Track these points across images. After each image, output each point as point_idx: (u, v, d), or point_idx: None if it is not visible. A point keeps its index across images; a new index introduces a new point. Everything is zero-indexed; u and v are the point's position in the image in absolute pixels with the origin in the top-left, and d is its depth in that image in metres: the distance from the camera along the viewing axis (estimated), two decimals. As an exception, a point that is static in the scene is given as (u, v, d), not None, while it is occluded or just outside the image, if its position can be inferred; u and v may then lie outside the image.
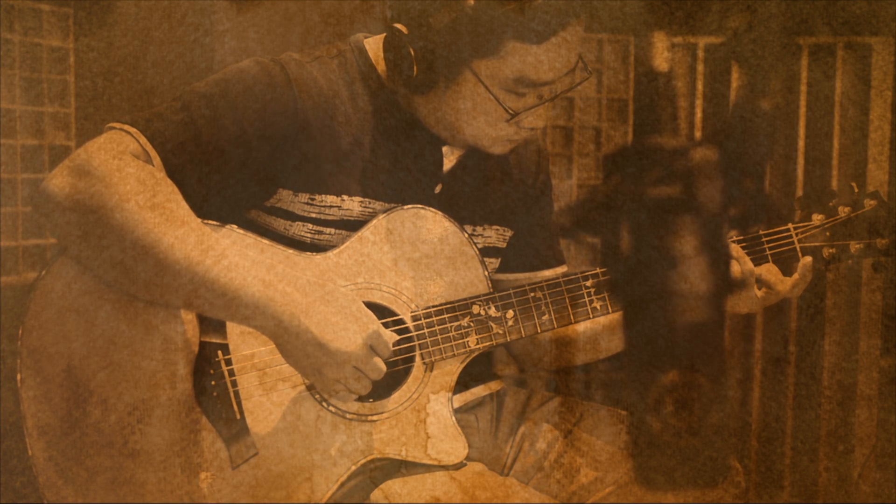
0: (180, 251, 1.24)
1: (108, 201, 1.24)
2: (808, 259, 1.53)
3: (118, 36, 2.02)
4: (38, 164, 2.00)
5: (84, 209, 1.25)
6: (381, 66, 1.46)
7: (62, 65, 2.03)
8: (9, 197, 1.94)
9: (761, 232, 1.53)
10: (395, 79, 1.43)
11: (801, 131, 2.27)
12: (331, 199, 1.41)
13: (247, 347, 1.36)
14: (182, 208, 1.27)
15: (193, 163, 1.32)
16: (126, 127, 1.31)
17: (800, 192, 2.28)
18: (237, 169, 1.35)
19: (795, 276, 1.53)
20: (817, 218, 1.56)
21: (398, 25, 1.36)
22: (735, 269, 1.48)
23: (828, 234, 1.56)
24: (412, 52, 1.36)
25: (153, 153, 1.30)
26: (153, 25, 2.00)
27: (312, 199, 1.41)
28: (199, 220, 1.28)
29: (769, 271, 1.53)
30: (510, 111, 1.38)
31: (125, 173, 1.25)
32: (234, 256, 1.26)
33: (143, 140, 1.30)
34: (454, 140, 1.47)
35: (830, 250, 1.56)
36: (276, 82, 1.37)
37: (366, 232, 1.43)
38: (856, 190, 1.58)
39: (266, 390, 1.36)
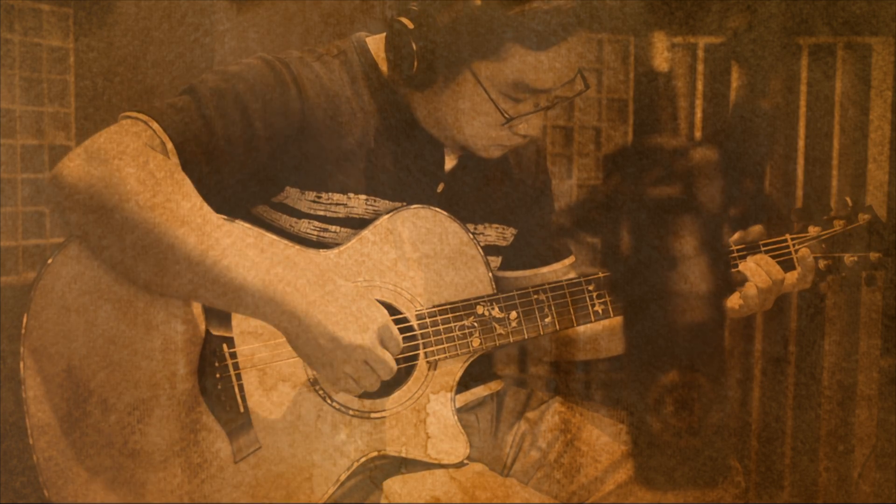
0: (181, 251, 1.24)
1: (109, 200, 1.24)
2: (805, 250, 1.55)
3: (118, 36, 2.02)
4: (38, 164, 2.00)
5: (95, 200, 1.25)
6: (383, 66, 1.46)
7: (62, 65, 2.03)
8: (9, 197, 1.94)
9: (760, 242, 1.56)
10: (395, 74, 1.43)
11: (801, 131, 2.27)
12: (337, 196, 1.42)
13: (247, 348, 1.36)
14: (182, 207, 1.27)
15: (205, 155, 1.32)
16: (142, 116, 1.31)
17: (800, 192, 2.28)
18: (244, 164, 1.36)
19: (798, 268, 1.57)
20: (813, 230, 1.60)
21: (403, 19, 1.36)
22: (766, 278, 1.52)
23: (823, 246, 1.59)
24: (414, 48, 1.36)
25: (169, 144, 1.30)
26: (153, 25, 2.00)
27: (319, 197, 1.41)
28: (204, 216, 1.28)
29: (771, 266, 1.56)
30: (506, 115, 1.38)
31: (125, 173, 1.25)
32: (233, 257, 1.26)
33: (158, 129, 1.30)
34: (448, 140, 1.47)
35: (826, 262, 1.59)
36: (281, 80, 1.37)
37: (366, 232, 1.43)
38: (850, 204, 1.62)
39: (266, 390, 1.36)
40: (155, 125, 1.30)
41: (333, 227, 1.42)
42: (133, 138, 1.28)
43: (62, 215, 1.30)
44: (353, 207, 1.43)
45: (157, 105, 1.33)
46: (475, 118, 1.40)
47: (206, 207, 1.28)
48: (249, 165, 1.36)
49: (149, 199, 1.24)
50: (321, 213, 1.41)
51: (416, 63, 1.37)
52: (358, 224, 1.43)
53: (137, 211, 1.24)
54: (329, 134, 1.41)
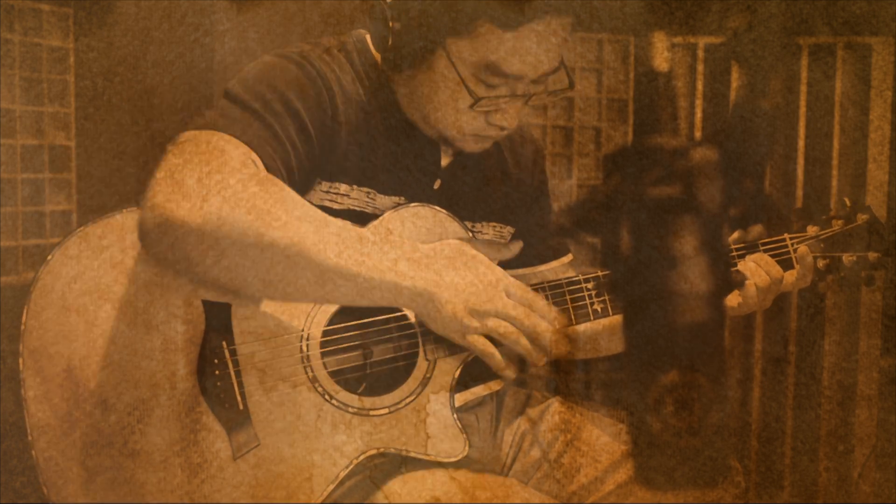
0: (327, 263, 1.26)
1: (250, 231, 1.22)
2: (804, 248, 1.56)
3: (118, 36, 2.02)
4: (38, 164, 2.00)
5: (229, 232, 1.22)
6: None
7: (62, 65, 2.03)
8: (9, 197, 1.95)
9: (759, 241, 1.57)
10: (378, 54, 1.43)
11: (801, 131, 2.27)
12: (344, 187, 1.42)
13: (247, 347, 1.36)
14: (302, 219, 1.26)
15: (282, 162, 1.32)
16: (226, 136, 1.28)
17: (800, 192, 2.28)
18: (305, 161, 1.36)
19: (797, 267, 1.57)
20: (812, 230, 1.60)
21: None
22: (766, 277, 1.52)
23: (822, 245, 1.59)
24: (390, 23, 1.36)
25: (257, 160, 1.29)
26: (153, 25, 2.00)
27: (330, 187, 1.41)
28: (315, 214, 1.27)
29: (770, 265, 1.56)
30: (474, 95, 1.37)
31: (248, 198, 1.22)
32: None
33: (244, 148, 1.28)
34: (432, 132, 1.47)
35: (825, 262, 1.60)
36: (311, 76, 1.38)
37: (365, 231, 1.43)
38: (848, 204, 1.62)
39: (266, 390, 1.37)
40: (235, 141, 1.28)
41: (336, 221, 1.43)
42: (226, 160, 1.26)
43: (176, 256, 1.26)
44: (354, 199, 1.43)
45: (217, 121, 1.30)
46: (446, 101, 1.39)
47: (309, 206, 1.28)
48: (312, 158, 1.37)
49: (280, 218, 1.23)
50: (327, 203, 1.41)
51: (391, 39, 1.36)
52: (357, 217, 1.43)
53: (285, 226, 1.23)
54: (339, 127, 1.41)
